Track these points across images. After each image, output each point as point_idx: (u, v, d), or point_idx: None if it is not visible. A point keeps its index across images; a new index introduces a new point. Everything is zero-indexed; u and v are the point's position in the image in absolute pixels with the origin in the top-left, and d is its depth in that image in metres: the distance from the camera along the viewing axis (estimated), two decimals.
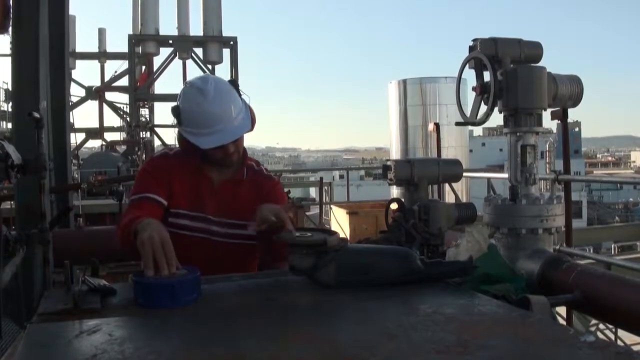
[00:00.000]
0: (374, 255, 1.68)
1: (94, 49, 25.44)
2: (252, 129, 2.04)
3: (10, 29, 3.79)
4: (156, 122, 22.81)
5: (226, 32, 19.92)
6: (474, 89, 2.85)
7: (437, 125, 6.43)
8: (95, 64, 25.62)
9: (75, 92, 23.25)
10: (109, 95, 24.71)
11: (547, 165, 25.10)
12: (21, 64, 3.95)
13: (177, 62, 20.35)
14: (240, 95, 1.98)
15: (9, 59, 4.14)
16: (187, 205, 2.01)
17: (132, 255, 1.85)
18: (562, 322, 3.48)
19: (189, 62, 20.26)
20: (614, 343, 2.75)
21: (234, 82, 2.00)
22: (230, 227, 2.04)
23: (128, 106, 22.79)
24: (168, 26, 20.63)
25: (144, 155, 15.79)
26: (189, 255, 1.68)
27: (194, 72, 19.78)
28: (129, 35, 20.48)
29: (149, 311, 1.40)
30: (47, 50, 4.17)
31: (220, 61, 19.53)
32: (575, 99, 2.91)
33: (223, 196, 2.04)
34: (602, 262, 4.73)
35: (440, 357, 1.07)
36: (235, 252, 2.05)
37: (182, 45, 19.80)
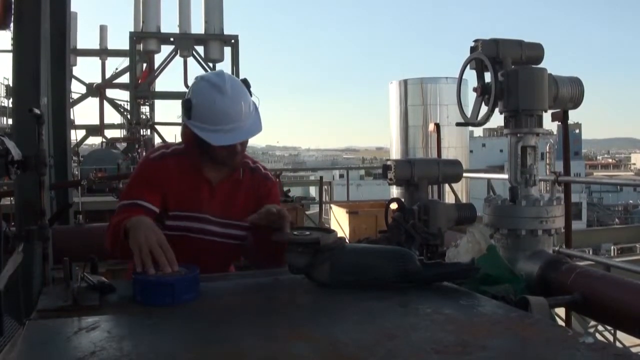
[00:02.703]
0: (371, 255, 1.65)
1: (95, 45, 25.42)
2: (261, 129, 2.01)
3: (11, 25, 3.80)
4: (157, 119, 22.78)
5: (227, 31, 19.92)
6: (474, 89, 2.85)
7: (437, 126, 6.42)
8: (96, 60, 25.60)
9: (76, 88, 23.25)
10: (110, 93, 24.69)
11: (547, 167, 25.10)
12: (22, 60, 3.95)
13: (178, 60, 20.33)
14: (251, 95, 1.96)
15: (10, 55, 4.15)
16: (185, 206, 1.97)
17: (122, 256, 1.83)
18: (561, 323, 3.48)
19: (190, 60, 20.25)
20: (612, 344, 2.73)
21: (246, 81, 1.98)
22: (228, 227, 2.03)
23: (129, 103, 22.78)
24: (169, 24, 20.65)
25: (144, 153, 15.79)
26: (188, 255, 1.67)
27: (195, 70, 19.78)
28: (130, 33, 20.46)
29: (148, 309, 1.40)
30: (48, 46, 4.17)
31: (221, 59, 19.52)
32: (576, 100, 2.92)
33: (221, 196, 2.02)
34: (601, 264, 4.72)
35: (439, 357, 1.07)
36: (230, 251, 2.06)
37: (184, 43, 19.79)
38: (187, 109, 1.89)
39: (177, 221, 1.97)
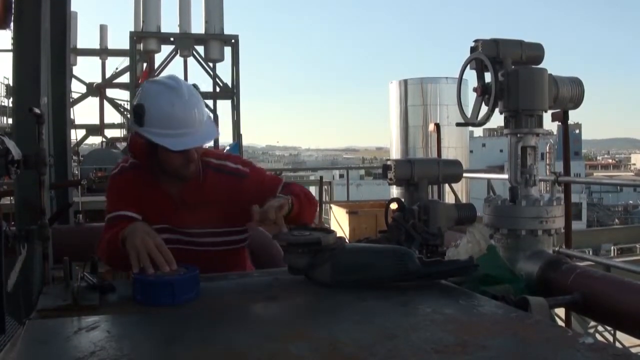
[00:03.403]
0: (371, 254, 1.66)
1: (95, 45, 25.40)
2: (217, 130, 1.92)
3: (11, 24, 3.79)
4: None
5: (228, 30, 19.91)
6: (474, 89, 2.85)
7: (437, 126, 6.42)
8: (96, 60, 25.57)
9: (76, 88, 23.23)
10: (110, 92, 24.66)
11: (547, 167, 25.10)
12: (22, 59, 3.95)
13: (178, 60, 20.29)
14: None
15: (10, 54, 4.14)
16: (154, 219, 1.85)
17: (122, 267, 1.79)
18: (561, 323, 3.48)
19: (190, 59, 20.24)
20: (612, 345, 2.74)
21: (196, 87, 1.90)
22: (208, 236, 1.93)
23: (129, 103, 22.75)
24: (170, 24, 20.61)
25: None
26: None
27: (195, 69, 19.77)
28: (130, 32, 20.44)
29: (147, 309, 1.40)
30: (48, 46, 4.16)
31: (221, 59, 19.51)
32: (576, 100, 2.92)
33: (187, 208, 1.91)
34: (601, 264, 4.72)
35: (439, 357, 1.07)
36: (222, 258, 1.96)
37: (184, 42, 19.77)
38: (139, 115, 1.76)
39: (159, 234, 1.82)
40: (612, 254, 13.87)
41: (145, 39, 20.20)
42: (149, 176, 1.91)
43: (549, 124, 3.77)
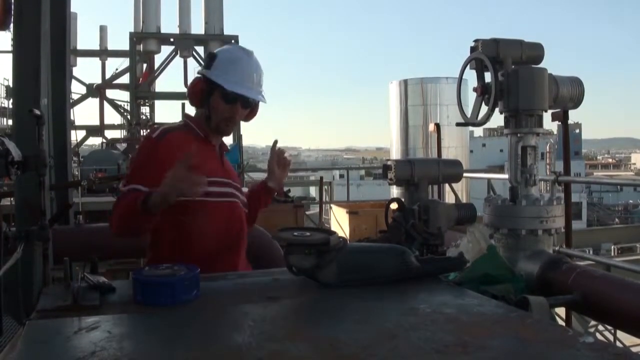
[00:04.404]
0: (372, 253, 1.70)
1: (95, 46, 25.43)
2: (256, 114, 2.20)
3: (11, 25, 3.79)
4: (157, 120, 22.77)
5: (227, 31, 19.94)
6: (475, 89, 2.85)
7: (437, 126, 6.43)
8: (96, 61, 25.61)
9: (76, 89, 23.26)
10: (110, 93, 24.68)
11: (547, 167, 25.12)
12: (22, 60, 3.95)
13: (178, 61, 20.35)
14: None
15: (10, 55, 4.15)
16: (205, 172, 1.91)
17: (132, 232, 1.91)
18: (561, 323, 3.48)
19: (190, 60, 20.26)
20: (612, 344, 2.73)
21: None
22: (239, 191, 2.16)
23: (129, 104, 22.78)
24: (169, 24, 20.64)
25: None
26: (219, 222, 1.97)
27: (195, 70, 19.78)
28: (130, 33, 20.47)
29: (148, 309, 1.40)
30: (48, 47, 4.17)
31: None
32: (576, 100, 2.91)
33: (225, 163, 2.18)
34: (601, 264, 4.73)
35: (439, 357, 1.07)
36: (243, 215, 2.18)
37: (184, 43, 19.80)
38: (210, 59, 2.03)
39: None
40: (612, 254, 13.86)
41: (145, 40, 20.21)
42: (197, 133, 2.09)
43: (549, 124, 3.77)
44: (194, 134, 2.07)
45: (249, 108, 2.11)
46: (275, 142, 2.30)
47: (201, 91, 2.04)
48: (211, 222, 1.98)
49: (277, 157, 2.27)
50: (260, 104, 2.15)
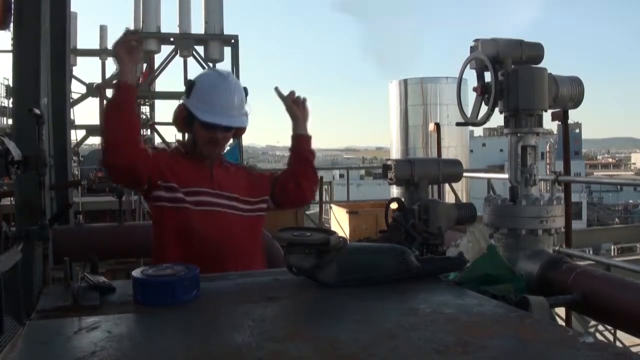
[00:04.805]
0: (372, 253, 1.70)
1: (95, 45, 25.40)
2: (244, 132, 2.23)
3: (11, 25, 3.79)
4: (157, 119, 22.76)
5: (227, 31, 19.92)
6: (474, 89, 2.85)
7: (437, 125, 6.42)
8: (96, 60, 25.57)
9: (76, 88, 23.22)
10: (110, 93, 24.68)
11: (547, 166, 25.11)
12: (22, 60, 3.95)
13: (178, 60, 20.32)
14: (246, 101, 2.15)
15: (10, 55, 4.14)
16: (191, 183, 2.10)
17: (122, 143, 1.96)
18: (561, 322, 3.48)
19: (190, 60, 20.25)
20: (612, 344, 2.73)
21: (246, 89, 2.17)
22: (241, 202, 2.17)
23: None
24: (169, 24, 20.62)
25: None
26: (210, 232, 1.99)
27: (195, 70, 19.77)
28: None
29: (148, 309, 1.40)
30: (48, 46, 4.16)
31: (221, 59, 19.52)
32: (576, 100, 2.92)
33: (221, 176, 2.18)
34: (601, 264, 4.73)
35: (439, 357, 1.07)
36: (256, 225, 2.24)
37: (184, 43, 19.78)
38: (189, 88, 2.09)
39: (199, 197, 2.09)
40: (612, 254, 13.87)
41: (145, 39, 20.18)
42: (185, 149, 2.20)
43: (549, 124, 3.77)
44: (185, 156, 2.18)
45: (232, 130, 2.15)
46: (277, 88, 2.29)
47: (184, 119, 2.12)
48: (197, 228, 2.06)
49: (290, 99, 2.28)
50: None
